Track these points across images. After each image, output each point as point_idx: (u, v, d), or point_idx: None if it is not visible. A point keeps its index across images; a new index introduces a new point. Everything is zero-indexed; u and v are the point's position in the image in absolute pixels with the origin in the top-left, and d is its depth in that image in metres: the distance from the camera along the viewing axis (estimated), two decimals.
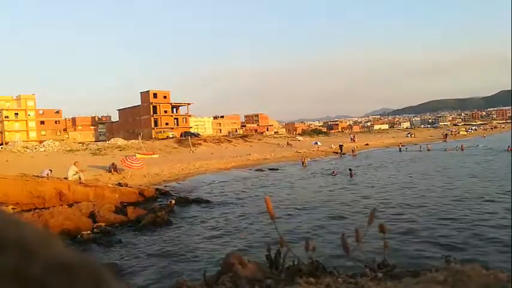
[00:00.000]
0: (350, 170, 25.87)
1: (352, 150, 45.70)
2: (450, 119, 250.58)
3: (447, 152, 42.21)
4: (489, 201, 14.14)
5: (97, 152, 38.46)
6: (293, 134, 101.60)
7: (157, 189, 19.35)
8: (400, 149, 48.69)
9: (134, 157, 27.86)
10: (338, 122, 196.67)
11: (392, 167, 30.04)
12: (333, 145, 52.22)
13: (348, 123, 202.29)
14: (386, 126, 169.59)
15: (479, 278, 1.16)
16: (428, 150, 44.86)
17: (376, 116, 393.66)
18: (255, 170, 31.38)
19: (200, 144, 51.27)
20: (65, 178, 17.49)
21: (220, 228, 12.12)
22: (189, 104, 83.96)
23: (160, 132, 69.87)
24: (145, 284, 7.75)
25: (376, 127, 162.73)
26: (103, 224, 12.19)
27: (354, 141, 63.02)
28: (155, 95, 77.57)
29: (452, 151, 42.31)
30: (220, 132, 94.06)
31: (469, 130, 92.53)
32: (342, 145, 48.47)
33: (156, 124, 75.84)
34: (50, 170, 19.40)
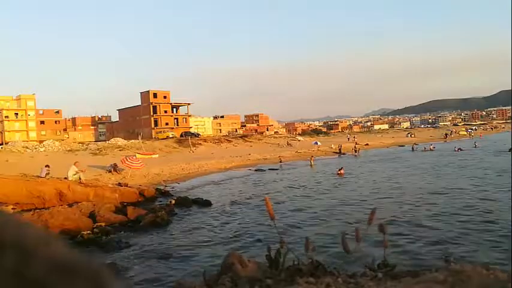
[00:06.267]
0: (340, 168, 26.48)
1: (355, 150, 45.76)
2: (450, 119, 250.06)
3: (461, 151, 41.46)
4: None
5: (97, 152, 38.47)
6: (293, 134, 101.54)
7: (157, 189, 19.35)
8: (413, 148, 49.33)
9: (134, 157, 27.86)
10: (338, 122, 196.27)
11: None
12: (333, 145, 52.58)
13: (348, 123, 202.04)
14: (386, 126, 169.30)
15: (479, 278, 1.16)
16: (431, 150, 45.30)
17: (376, 116, 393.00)
18: (255, 170, 31.41)
19: (200, 144, 51.26)
20: (65, 178, 17.48)
21: (220, 228, 12.12)
22: (189, 104, 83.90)
23: (160, 132, 69.86)
24: (145, 284, 7.74)
25: (376, 127, 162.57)
26: (103, 224, 12.18)
27: (354, 141, 63.06)
28: (155, 95, 77.55)
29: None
30: (220, 132, 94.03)
31: (469, 130, 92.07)
32: (340, 146, 49.49)
33: (156, 124, 75.82)
34: (47, 165, 19.06)
